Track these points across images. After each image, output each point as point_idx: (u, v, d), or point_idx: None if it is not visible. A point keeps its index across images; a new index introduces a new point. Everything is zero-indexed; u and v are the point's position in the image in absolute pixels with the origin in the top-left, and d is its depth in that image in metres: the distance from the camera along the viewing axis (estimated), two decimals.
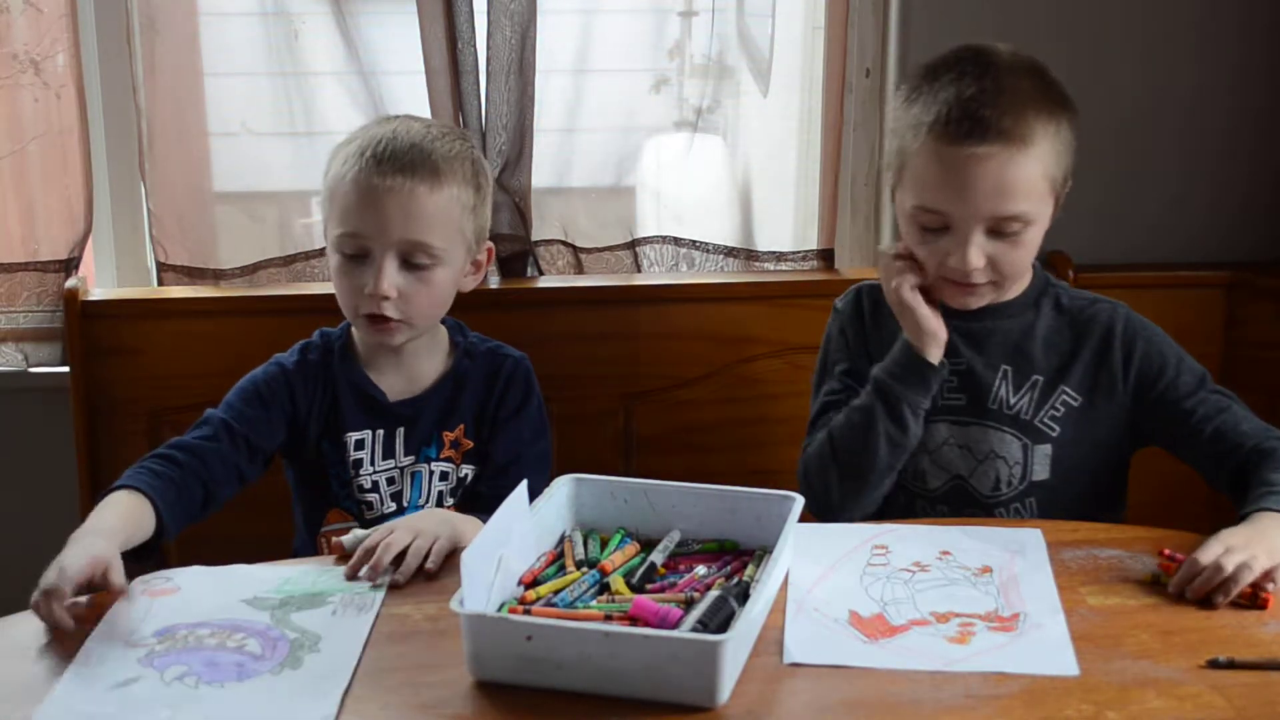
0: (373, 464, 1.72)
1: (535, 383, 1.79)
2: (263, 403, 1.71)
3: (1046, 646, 1.28)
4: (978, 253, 1.59)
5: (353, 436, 1.72)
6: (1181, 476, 1.71)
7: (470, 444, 1.75)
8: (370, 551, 1.43)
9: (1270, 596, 1.36)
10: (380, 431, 1.73)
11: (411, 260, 1.66)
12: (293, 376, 1.73)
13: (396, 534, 1.44)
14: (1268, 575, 1.36)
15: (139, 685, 1.18)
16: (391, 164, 1.64)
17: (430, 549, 1.43)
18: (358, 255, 1.67)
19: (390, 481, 1.73)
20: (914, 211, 1.62)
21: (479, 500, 1.70)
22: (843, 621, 1.33)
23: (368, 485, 1.72)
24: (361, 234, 1.65)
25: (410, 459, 1.73)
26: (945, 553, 1.48)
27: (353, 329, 1.76)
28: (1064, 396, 1.68)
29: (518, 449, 1.74)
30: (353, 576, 1.42)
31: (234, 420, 1.67)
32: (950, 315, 1.68)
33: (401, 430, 1.73)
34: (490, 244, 1.80)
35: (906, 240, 1.67)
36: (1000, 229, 1.59)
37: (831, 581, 1.41)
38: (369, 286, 1.65)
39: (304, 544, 1.79)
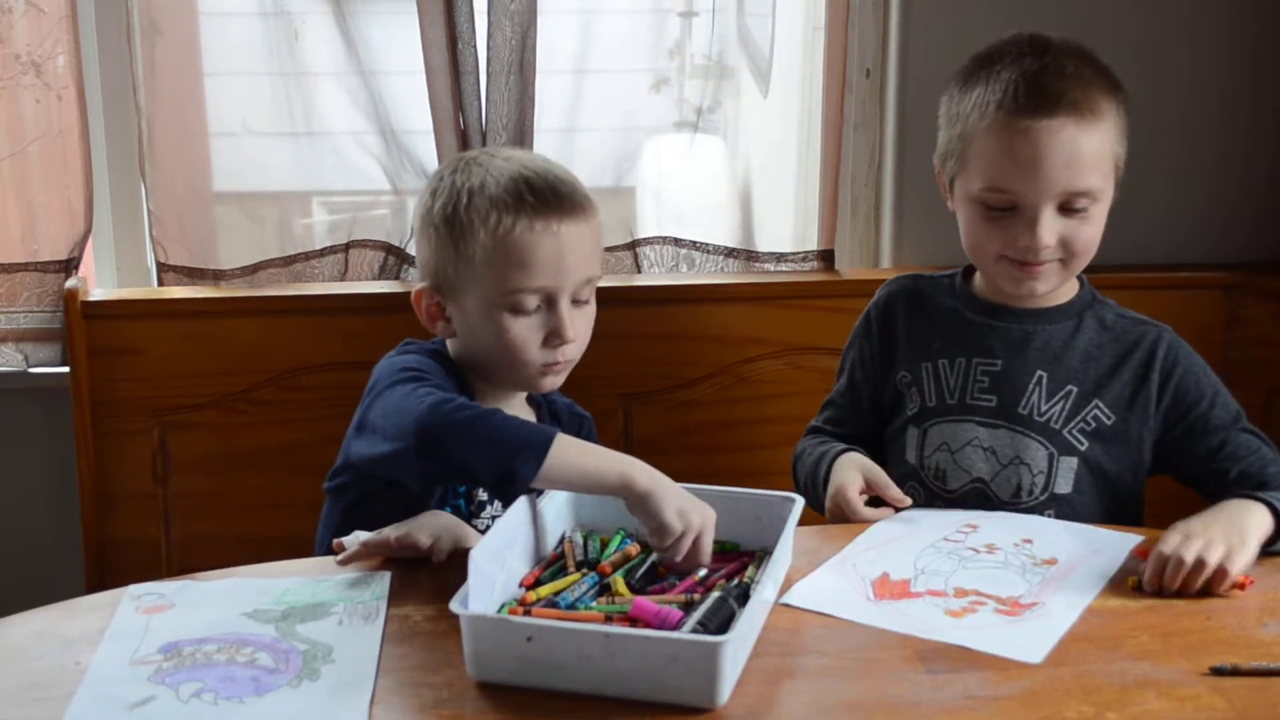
0: (493, 503, 1.60)
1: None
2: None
3: (1029, 635, 1.27)
4: (1050, 230, 1.57)
5: None
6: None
7: None
8: (373, 548, 1.41)
9: (1247, 580, 1.36)
10: None
11: (580, 298, 1.60)
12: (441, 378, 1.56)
13: (420, 538, 1.41)
14: (1226, 561, 1.35)
15: (156, 704, 1.17)
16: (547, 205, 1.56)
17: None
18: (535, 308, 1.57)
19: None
20: (982, 193, 1.60)
21: None
22: (869, 580, 1.35)
23: (482, 529, 1.56)
24: (540, 285, 1.56)
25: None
26: (1027, 540, 1.48)
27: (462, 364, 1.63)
28: (1096, 411, 1.65)
29: None
30: (345, 563, 1.41)
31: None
32: (991, 314, 1.69)
33: None
34: None
35: (967, 229, 1.64)
36: (1070, 205, 1.58)
37: (896, 545, 1.45)
38: (557, 335, 1.57)
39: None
